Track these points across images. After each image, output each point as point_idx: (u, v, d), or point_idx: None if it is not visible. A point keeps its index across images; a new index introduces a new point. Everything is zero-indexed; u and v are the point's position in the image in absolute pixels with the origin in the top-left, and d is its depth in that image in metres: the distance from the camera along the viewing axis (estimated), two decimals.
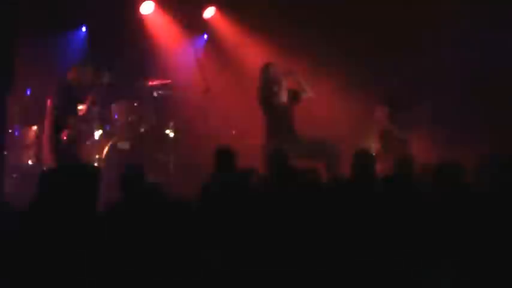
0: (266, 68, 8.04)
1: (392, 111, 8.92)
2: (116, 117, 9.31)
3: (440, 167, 5.21)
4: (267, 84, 7.92)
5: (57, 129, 8.11)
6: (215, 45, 10.50)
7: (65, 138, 8.09)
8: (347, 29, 9.85)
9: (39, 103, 9.15)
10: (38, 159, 9.04)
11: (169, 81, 9.93)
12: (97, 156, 8.84)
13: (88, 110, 8.62)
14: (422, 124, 9.17)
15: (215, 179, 5.66)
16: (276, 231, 4.21)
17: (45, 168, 8.19)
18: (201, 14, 10.29)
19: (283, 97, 7.89)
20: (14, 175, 8.92)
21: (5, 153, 7.67)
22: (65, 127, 8.13)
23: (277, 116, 7.87)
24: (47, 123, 8.23)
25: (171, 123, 9.75)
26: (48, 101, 8.22)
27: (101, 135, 9.00)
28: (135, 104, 9.45)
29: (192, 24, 9.36)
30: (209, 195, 4.53)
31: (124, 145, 9.08)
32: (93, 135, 9.01)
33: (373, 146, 8.75)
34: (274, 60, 8.32)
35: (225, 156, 6.13)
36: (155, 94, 9.80)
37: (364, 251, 4.17)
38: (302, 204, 4.50)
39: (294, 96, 8.06)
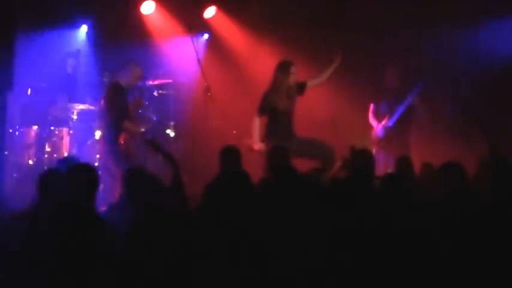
0: (286, 66, 7.92)
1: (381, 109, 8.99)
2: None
3: (442, 167, 5.20)
4: (276, 84, 7.88)
5: (114, 133, 8.06)
6: (216, 45, 10.50)
7: (122, 142, 8.08)
8: (348, 28, 9.85)
9: (39, 103, 9.16)
10: (38, 159, 9.04)
11: (170, 80, 9.93)
12: (97, 156, 8.83)
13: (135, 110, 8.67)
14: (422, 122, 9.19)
15: (220, 177, 5.65)
16: (276, 230, 4.21)
17: (46, 168, 8.20)
18: (201, 13, 10.28)
19: (282, 104, 7.83)
20: (15, 175, 8.93)
21: (6, 153, 7.67)
22: (121, 131, 8.10)
23: (276, 116, 7.85)
24: (103, 128, 8.19)
25: (172, 123, 9.75)
26: (103, 103, 8.17)
27: (101, 135, 8.99)
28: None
29: (193, 24, 9.34)
30: (214, 195, 4.54)
31: None
32: (93, 134, 9.00)
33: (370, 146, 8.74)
34: (275, 60, 8.26)
35: (230, 155, 6.11)
36: (156, 94, 9.80)
37: (364, 250, 4.16)
38: (303, 202, 4.50)
39: (300, 88, 8.03)
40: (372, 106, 9.20)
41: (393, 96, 8.98)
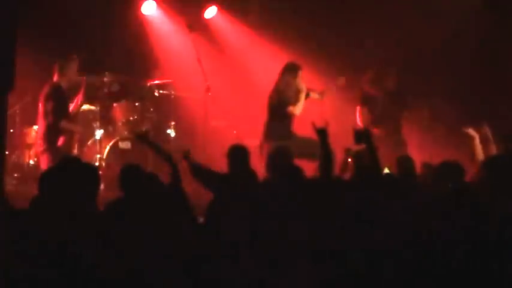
0: (294, 70, 7.94)
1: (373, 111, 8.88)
2: (117, 116, 9.31)
3: (442, 166, 5.20)
4: (289, 89, 7.87)
5: (52, 133, 8.04)
6: (216, 44, 10.50)
7: (60, 144, 8.05)
8: (347, 28, 9.87)
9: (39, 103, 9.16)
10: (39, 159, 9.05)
11: (170, 80, 9.93)
12: (98, 156, 8.84)
13: (78, 109, 8.58)
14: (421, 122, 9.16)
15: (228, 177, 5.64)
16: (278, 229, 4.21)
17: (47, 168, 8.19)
18: (202, 13, 10.28)
19: (299, 109, 7.85)
20: (15, 174, 8.95)
21: (6, 152, 7.67)
22: (60, 132, 8.06)
23: (281, 119, 7.86)
24: (41, 128, 8.15)
25: (172, 123, 9.76)
26: (40, 105, 8.13)
27: (102, 135, 9.00)
28: (136, 104, 9.45)
29: (194, 23, 9.35)
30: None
31: (125, 145, 9.08)
32: (93, 134, 9.00)
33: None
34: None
35: (239, 154, 6.09)
36: (156, 94, 9.80)
37: (365, 251, 4.16)
38: (304, 202, 4.50)
39: (304, 95, 8.04)
40: (358, 109, 8.92)
41: (391, 100, 8.87)
